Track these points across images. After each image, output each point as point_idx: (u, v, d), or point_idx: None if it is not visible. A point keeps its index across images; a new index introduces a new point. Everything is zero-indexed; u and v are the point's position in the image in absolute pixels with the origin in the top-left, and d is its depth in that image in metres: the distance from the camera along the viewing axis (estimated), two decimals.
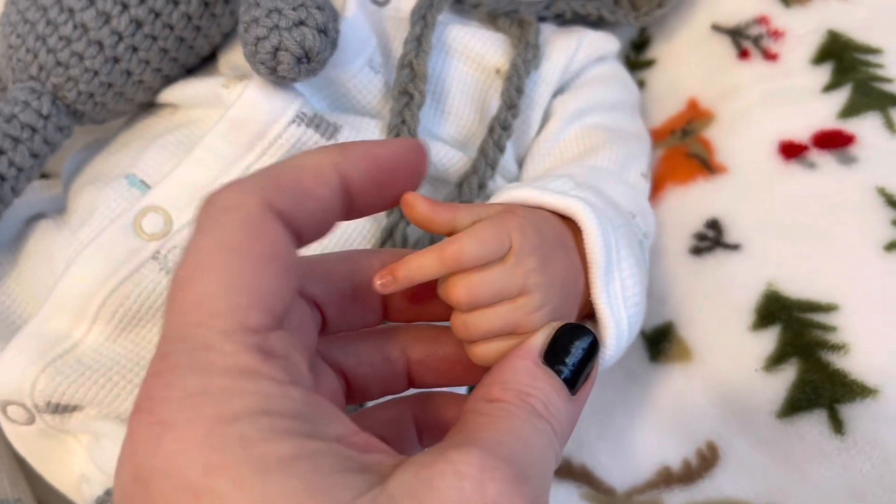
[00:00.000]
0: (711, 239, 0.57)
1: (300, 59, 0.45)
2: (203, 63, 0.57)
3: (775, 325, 0.52)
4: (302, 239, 0.29)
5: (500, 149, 0.53)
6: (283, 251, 0.27)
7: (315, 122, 0.49)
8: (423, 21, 0.53)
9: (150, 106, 0.57)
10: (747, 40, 0.64)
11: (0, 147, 0.49)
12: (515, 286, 0.35)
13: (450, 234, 0.35)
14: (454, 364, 0.36)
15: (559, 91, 0.58)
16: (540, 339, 0.33)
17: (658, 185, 0.61)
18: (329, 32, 0.46)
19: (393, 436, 0.35)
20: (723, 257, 0.56)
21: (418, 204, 0.33)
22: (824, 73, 0.60)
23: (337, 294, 0.34)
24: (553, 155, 0.55)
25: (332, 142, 0.50)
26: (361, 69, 0.53)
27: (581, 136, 0.56)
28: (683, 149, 0.62)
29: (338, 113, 0.52)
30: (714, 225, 0.58)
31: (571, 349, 0.32)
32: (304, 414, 0.25)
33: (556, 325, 0.34)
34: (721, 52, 0.65)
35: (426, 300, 0.36)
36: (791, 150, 0.58)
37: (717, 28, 0.65)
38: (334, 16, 0.47)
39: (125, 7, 0.51)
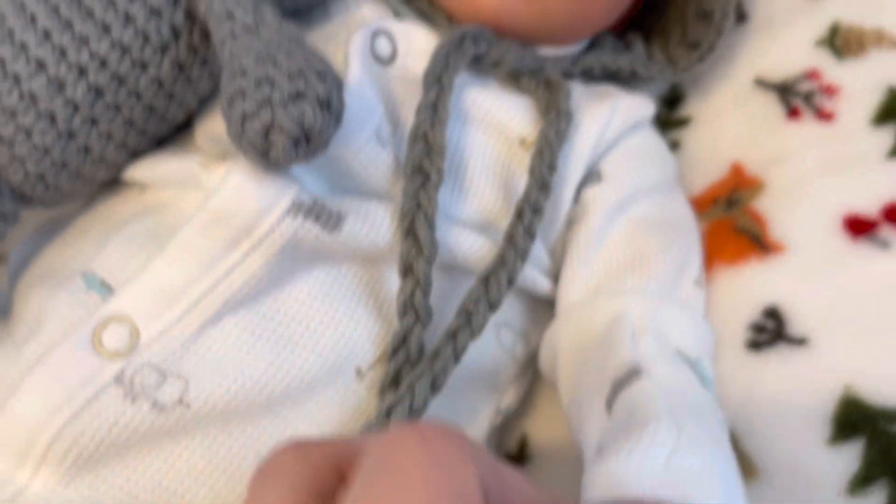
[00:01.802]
0: (772, 331, 0.49)
1: (297, 141, 0.36)
2: (176, 132, 0.48)
3: (858, 438, 0.44)
4: None
5: (531, 235, 0.44)
6: None
7: (315, 211, 0.40)
8: (438, 85, 0.45)
9: (113, 182, 0.48)
10: (797, 97, 0.57)
11: None
12: None
13: None
14: None
15: (592, 165, 0.50)
16: None
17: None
18: (333, 105, 0.37)
19: None
20: (787, 354, 0.48)
21: None
22: (888, 135, 0.53)
23: None
24: (598, 263, 0.48)
25: (334, 234, 0.41)
26: (367, 143, 0.44)
27: (626, 238, 0.49)
28: (730, 222, 0.55)
29: (339, 196, 0.43)
30: (773, 314, 0.50)
31: None
32: None
33: None
34: (767, 110, 0.57)
35: None
36: (859, 226, 0.50)
37: (761, 83, 0.58)
38: (338, 84, 0.39)
39: (82, 72, 0.42)
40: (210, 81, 0.46)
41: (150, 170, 0.45)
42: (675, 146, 0.60)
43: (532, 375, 0.53)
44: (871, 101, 0.55)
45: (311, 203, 0.40)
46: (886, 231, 0.50)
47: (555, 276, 0.50)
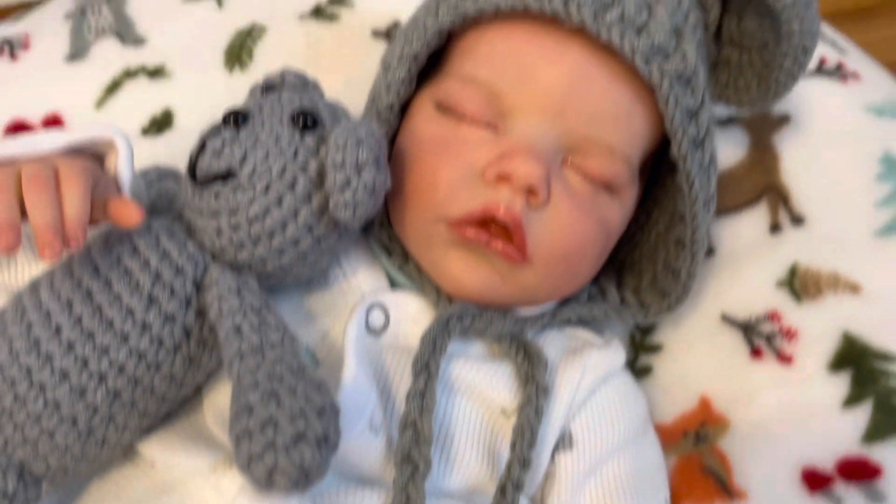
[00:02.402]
0: None
1: (298, 481, 0.40)
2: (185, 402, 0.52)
3: None
4: None
5: None
6: None
7: None
8: (426, 372, 0.50)
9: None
10: (759, 337, 0.61)
11: None
12: None
13: None
14: None
15: (564, 428, 0.55)
16: None
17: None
18: (330, 440, 0.42)
19: None
20: None
21: None
22: (843, 383, 0.58)
23: None
24: None
25: None
26: (361, 434, 0.48)
27: (596, 500, 0.52)
28: (698, 458, 0.59)
29: (334, 490, 0.47)
30: None
31: None
32: None
33: None
34: (732, 347, 0.62)
35: None
36: (816, 482, 0.55)
37: (727, 319, 0.63)
38: (335, 413, 0.43)
39: (102, 379, 0.46)
40: (217, 361, 0.51)
41: (162, 453, 0.49)
42: (647, 371, 0.65)
43: None
44: (828, 346, 0.59)
45: None
46: (841, 488, 0.54)
47: None
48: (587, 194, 0.52)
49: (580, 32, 0.49)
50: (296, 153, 0.49)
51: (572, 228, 0.52)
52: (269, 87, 0.57)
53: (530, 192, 0.50)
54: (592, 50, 0.50)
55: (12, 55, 0.78)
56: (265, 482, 0.40)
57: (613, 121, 0.51)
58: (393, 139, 0.57)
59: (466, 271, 0.52)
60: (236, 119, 0.50)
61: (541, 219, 0.51)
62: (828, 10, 1.56)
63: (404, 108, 0.57)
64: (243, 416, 0.41)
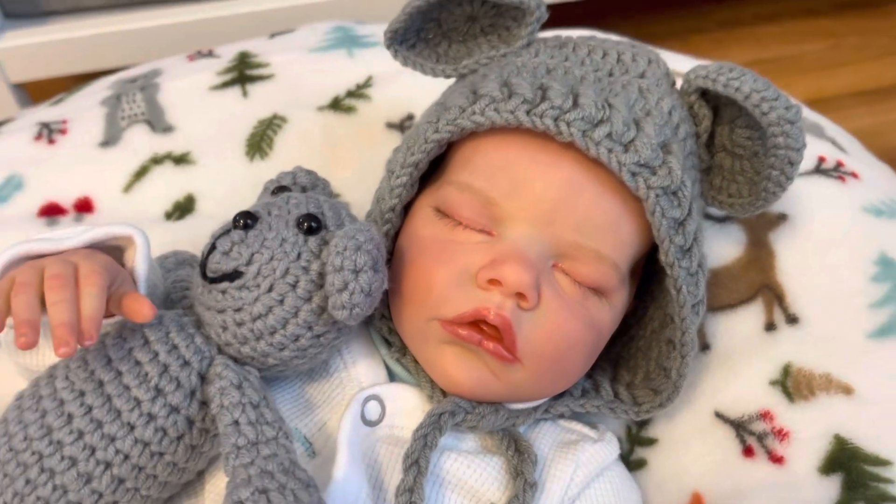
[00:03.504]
0: None
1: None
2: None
3: None
4: None
5: None
6: None
7: None
8: (416, 468, 0.52)
9: None
10: (752, 436, 0.62)
11: None
12: None
13: None
14: None
15: None
16: None
17: None
18: None
19: None
20: None
21: None
22: (834, 486, 0.58)
23: None
24: None
25: None
26: None
27: None
28: None
29: None
30: None
31: None
32: None
33: None
34: (725, 445, 0.63)
35: None
36: None
37: (720, 416, 0.64)
38: None
39: (108, 467, 0.49)
40: (216, 444, 0.53)
41: None
42: (642, 464, 0.66)
43: None
44: (819, 448, 0.60)
45: None
46: None
47: None
48: (577, 297, 0.54)
49: (571, 146, 0.52)
50: (299, 255, 0.52)
51: (562, 329, 0.54)
52: (281, 188, 0.61)
53: (520, 296, 0.52)
54: (583, 162, 0.53)
55: (50, 139, 0.84)
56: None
57: (602, 229, 0.54)
58: (396, 235, 0.60)
59: (459, 368, 0.55)
60: (245, 221, 0.53)
61: (531, 320, 0.53)
62: (847, 91, 1.59)
63: (407, 208, 0.60)
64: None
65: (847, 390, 0.61)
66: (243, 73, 0.88)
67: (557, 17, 0.78)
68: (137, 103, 0.85)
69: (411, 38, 0.64)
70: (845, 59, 1.53)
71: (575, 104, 0.52)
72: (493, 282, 0.52)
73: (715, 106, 0.60)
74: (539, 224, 0.53)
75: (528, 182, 0.53)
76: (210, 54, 0.93)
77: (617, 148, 0.51)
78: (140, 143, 0.82)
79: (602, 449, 0.60)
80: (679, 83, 0.62)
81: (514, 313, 0.52)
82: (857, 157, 0.78)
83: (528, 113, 0.52)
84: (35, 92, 1.28)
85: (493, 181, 0.54)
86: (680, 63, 0.79)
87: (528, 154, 0.54)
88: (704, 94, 0.59)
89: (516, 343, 0.53)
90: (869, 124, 1.40)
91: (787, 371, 0.63)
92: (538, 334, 0.53)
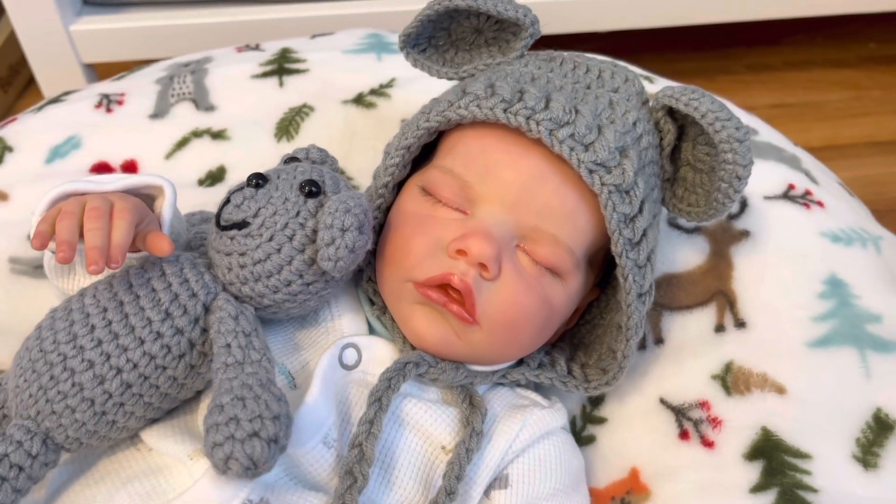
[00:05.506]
0: None
1: (248, 468, 0.51)
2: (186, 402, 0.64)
3: None
4: None
5: None
6: None
7: None
8: (378, 404, 0.60)
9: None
10: (689, 422, 0.69)
11: None
12: None
13: None
14: None
15: (500, 470, 0.63)
16: None
17: None
18: (279, 440, 0.52)
19: None
20: None
21: None
22: (754, 471, 0.64)
23: None
24: None
25: None
26: (315, 447, 0.59)
27: None
28: None
29: (285, 488, 0.57)
30: None
31: None
32: None
33: None
34: (664, 428, 0.69)
35: None
36: None
37: (664, 402, 0.71)
38: (288, 422, 0.53)
39: (119, 372, 0.58)
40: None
41: (157, 441, 0.60)
42: (591, 440, 0.73)
43: None
44: (747, 437, 0.66)
45: (259, 500, 0.55)
46: None
47: None
48: (534, 274, 0.62)
49: (540, 142, 0.60)
50: (298, 213, 0.61)
51: (517, 299, 0.61)
52: (293, 158, 0.70)
53: (483, 266, 0.60)
54: (549, 157, 0.61)
55: (108, 108, 0.95)
56: (222, 467, 0.51)
57: (560, 217, 0.62)
58: (388, 210, 0.69)
59: (427, 325, 0.63)
60: (257, 181, 0.63)
61: (491, 288, 0.61)
62: (863, 140, 1.63)
63: (400, 186, 0.69)
64: (215, 413, 0.53)
65: (780, 390, 0.68)
66: (282, 66, 0.98)
67: (594, 48, 0.87)
68: (187, 84, 0.96)
69: (423, 44, 0.73)
70: (866, 110, 1.58)
71: (546, 107, 0.60)
72: (461, 252, 0.60)
73: (682, 125, 0.68)
74: (505, 206, 0.61)
75: (498, 169, 0.62)
76: (256, 48, 1.04)
77: (578, 147, 0.59)
78: (184, 117, 0.93)
79: (550, 415, 0.67)
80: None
81: (476, 281, 0.60)
82: (829, 189, 0.84)
83: (504, 111, 0.60)
84: (104, 73, 1.41)
85: (470, 167, 0.63)
86: None
87: (502, 146, 0.62)
88: (672, 112, 0.67)
89: (475, 307, 0.60)
90: (881, 173, 1.45)
91: (728, 368, 0.70)
92: (495, 301, 0.61)
